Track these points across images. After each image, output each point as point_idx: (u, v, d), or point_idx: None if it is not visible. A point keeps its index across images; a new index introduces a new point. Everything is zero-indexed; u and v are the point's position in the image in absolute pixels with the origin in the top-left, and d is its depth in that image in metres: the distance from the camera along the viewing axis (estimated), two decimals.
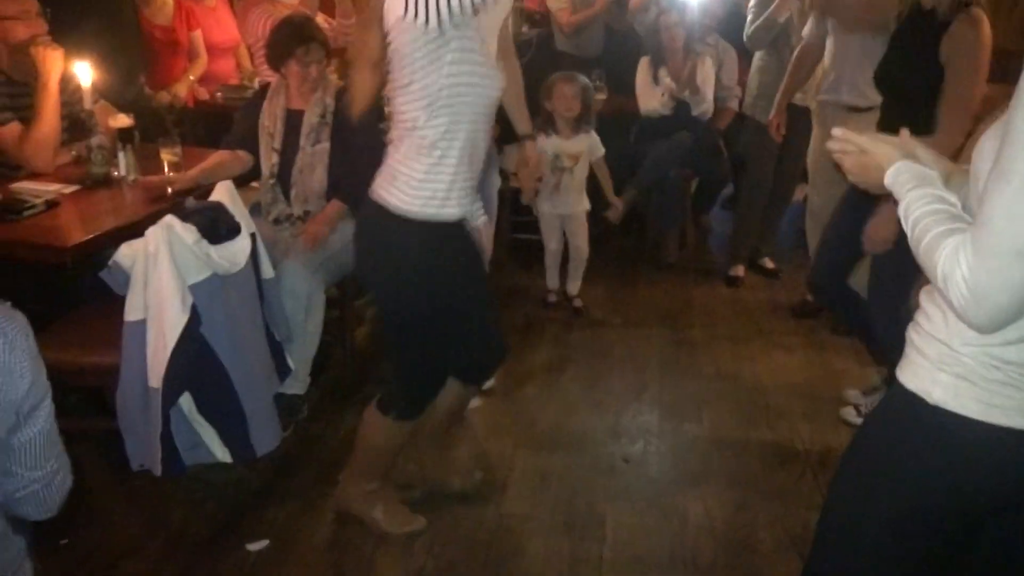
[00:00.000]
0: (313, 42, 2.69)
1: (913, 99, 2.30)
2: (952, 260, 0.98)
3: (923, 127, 2.12)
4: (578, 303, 3.65)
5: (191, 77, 4.08)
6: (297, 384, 2.61)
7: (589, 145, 3.47)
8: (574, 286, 3.67)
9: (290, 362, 2.51)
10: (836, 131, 1.28)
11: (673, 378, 3.09)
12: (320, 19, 3.52)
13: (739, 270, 4.00)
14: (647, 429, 2.75)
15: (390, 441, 2.13)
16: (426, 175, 1.75)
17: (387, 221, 1.79)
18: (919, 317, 1.17)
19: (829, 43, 3.18)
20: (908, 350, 1.18)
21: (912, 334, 1.18)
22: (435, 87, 1.67)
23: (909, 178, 1.14)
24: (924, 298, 1.17)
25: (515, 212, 4.05)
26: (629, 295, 3.84)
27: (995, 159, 0.95)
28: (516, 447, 2.63)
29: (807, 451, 2.63)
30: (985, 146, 1.06)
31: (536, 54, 4.19)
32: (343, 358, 2.98)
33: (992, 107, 1.27)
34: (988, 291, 0.95)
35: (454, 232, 1.84)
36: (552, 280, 3.70)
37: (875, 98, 2.65)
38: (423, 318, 1.88)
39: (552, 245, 3.62)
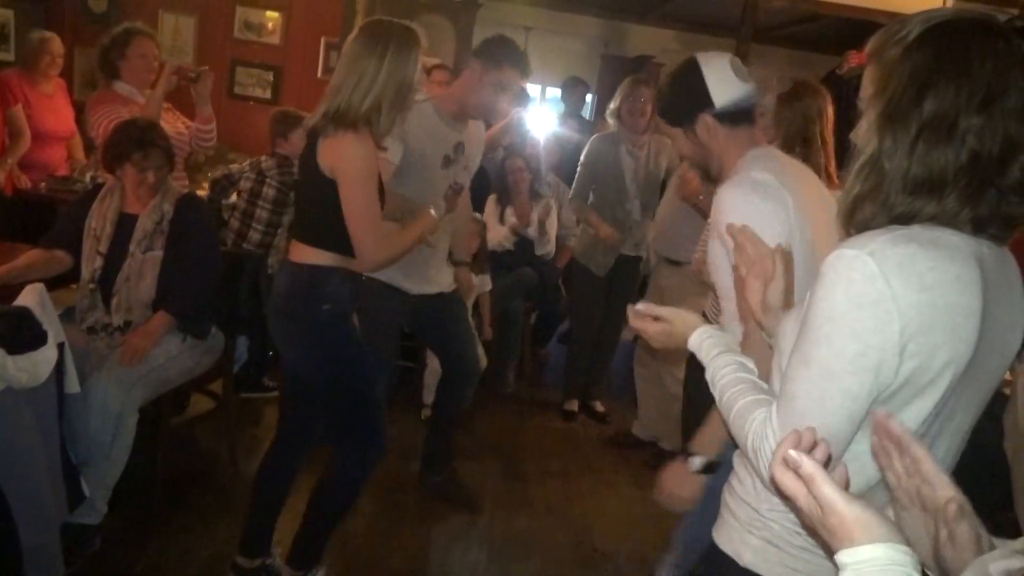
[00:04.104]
0: (154, 148, 2.60)
1: (312, 212, 2.15)
2: (761, 433, 1.05)
3: (333, 243, 2.07)
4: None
5: (9, 160, 3.79)
6: (92, 513, 2.34)
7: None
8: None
9: (85, 488, 2.24)
10: (638, 307, 1.37)
11: (505, 512, 3.06)
12: (179, 122, 3.43)
13: (573, 404, 4.10)
14: (474, 568, 2.68)
15: None
16: None
17: None
18: (732, 479, 1.24)
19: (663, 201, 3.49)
20: (723, 511, 1.23)
21: (726, 496, 1.24)
22: None
23: (713, 344, 1.25)
24: (736, 462, 1.24)
25: None
26: (466, 423, 3.82)
27: (796, 342, 1.05)
28: None
29: None
30: (786, 327, 1.16)
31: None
32: (150, 483, 2.71)
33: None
34: None
35: None
36: (428, 397, 3.68)
37: (689, 255, 2.89)
38: None
39: (435, 363, 3.58)
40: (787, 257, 1.29)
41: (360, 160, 2.00)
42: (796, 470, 0.81)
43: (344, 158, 2.00)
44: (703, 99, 1.60)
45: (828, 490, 0.78)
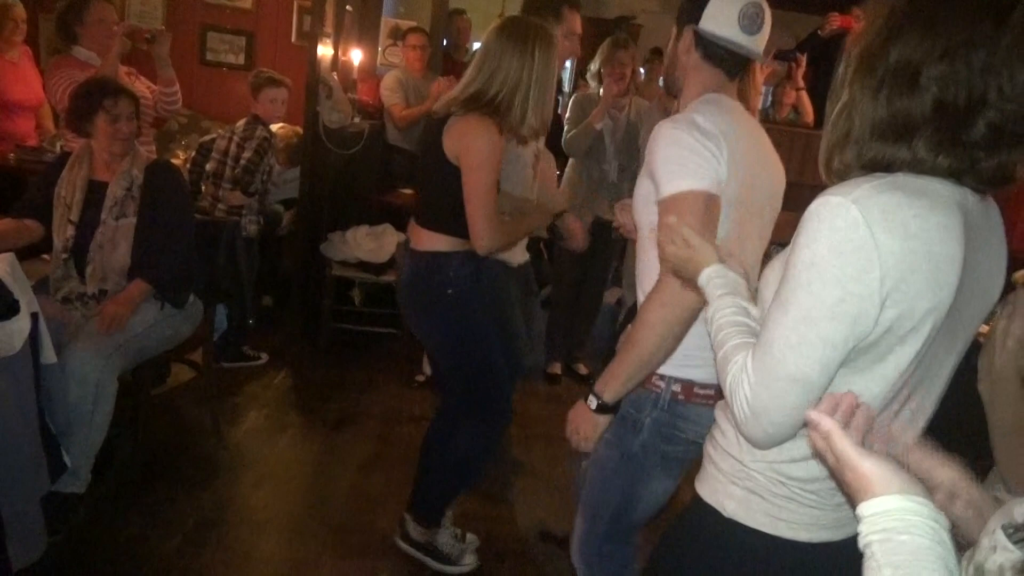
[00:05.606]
0: (123, 94, 2.54)
1: (432, 196, 2.25)
2: (738, 376, 1.06)
3: (452, 227, 2.15)
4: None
5: None
6: (76, 482, 2.32)
7: None
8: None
9: (66, 459, 2.22)
10: (671, 219, 1.33)
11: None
12: (142, 86, 3.35)
13: (556, 367, 4.12)
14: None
15: None
16: None
17: None
18: (715, 431, 1.24)
19: None
20: (705, 463, 1.24)
21: (709, 448, 1.24)
22: None
23: (723, 283, 1.22)
24: (719, 413, 1.24)
25: (338, 301, 3.97)
26: None
27: (777, 289, 1.04)
28: (323, 550, 2.47)
29: None
30: (768, 275, 1.16)
31: (367, 145, 4.22)
32: (131, 454, 2.69)
33: (780, 234, 1.42)
34: (766, 411, 1.02)
35: None
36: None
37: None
38: None
39: None
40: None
41: (484, 145, 2.08)
42: (815, 428, 0.83)
43: (469, 141, 2.08)
44: (696, 12, 1.61)
45: (843, 445, 0.81)
